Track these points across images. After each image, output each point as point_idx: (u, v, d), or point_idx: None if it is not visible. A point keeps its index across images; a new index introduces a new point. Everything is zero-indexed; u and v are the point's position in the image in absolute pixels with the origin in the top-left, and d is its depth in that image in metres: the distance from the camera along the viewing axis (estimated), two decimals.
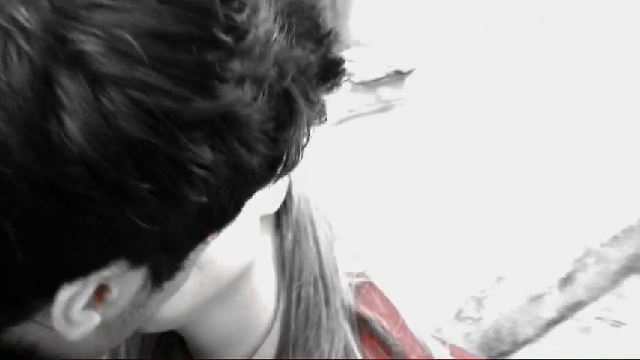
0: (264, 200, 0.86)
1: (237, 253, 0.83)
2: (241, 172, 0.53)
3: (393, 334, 0.87)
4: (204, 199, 0.51)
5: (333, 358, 0.85)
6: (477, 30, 4.14)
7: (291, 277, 0.87)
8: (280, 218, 0.88)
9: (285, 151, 0.57)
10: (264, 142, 0.54)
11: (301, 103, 0.56)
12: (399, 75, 3.67)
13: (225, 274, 0.82)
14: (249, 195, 0.57)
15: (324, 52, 0.59)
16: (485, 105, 4.16)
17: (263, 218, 0.86)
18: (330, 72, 0.61)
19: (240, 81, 0.51)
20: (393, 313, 0.90)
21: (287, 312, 0.87)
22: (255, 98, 0.52)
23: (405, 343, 0.87)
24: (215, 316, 0.85)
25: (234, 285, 0.85)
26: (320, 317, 0.86)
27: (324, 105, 0.63)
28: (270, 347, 0.87)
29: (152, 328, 0.81)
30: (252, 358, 0.86)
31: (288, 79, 0.55)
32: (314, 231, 0.88)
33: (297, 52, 0.56)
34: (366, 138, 3.65)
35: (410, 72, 3.72)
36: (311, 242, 0.88)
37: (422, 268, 3.88)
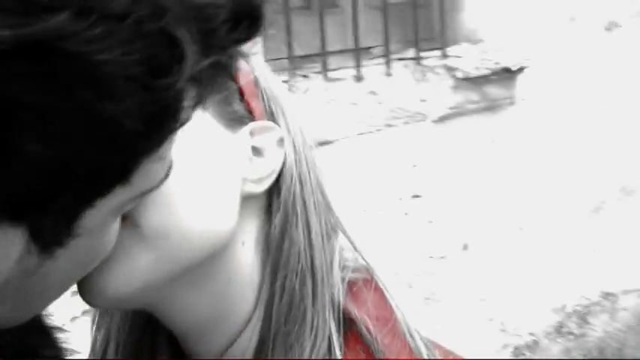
0: (247, 177, 0.78)
1: (200, 232, 0.75)
2: (101, 121, 0.46)
3: (379, 339, 0.77)
4: (44, 149, 0.42)
5: (314, 357, 0.76)
6: (596, 29, 3.91)
7: (276, 265, 0.79)
8: (271, 201, 0.79)
9: (168, 103, 0.48)
10: (131, 89, 0.46)
11: (188, 48, 0.48)
12: (507, 73, 3.50)
13: (184, 254, 0.75)
14: (135, 154, 0.49)
15: (248, 3, 0.52)
16: (604, 108, 3.93)
17: (249, 198, 0.78)
18: (243, 19, 0.53)
19: (77, 12, 0.45)
20: (383, 315, 0.80)
21: (269, 304, 0.79)
22: (107, 35, 0.45)
23: (392, 350, 0.77)
24: (187, 299, 0.78)
25: (207, 268, 0.77)
26: (305, 312, 0.77)
27: (232, 56, 0.54)
28: (249, 339, 0.79)
29: (101, 303, 0.74)
30: (226, 358, 0.79)
31: (169, 19, 0.47)
32: (307, 217, 0.79)
33: None
34: (469, 137, 3.50)
35: (520, 70, 3.54)
36: (301, 229, 0.79)
37: (522, 275, 3.70)
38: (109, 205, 0.53)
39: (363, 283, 0.82)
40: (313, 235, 0.79)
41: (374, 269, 0.83)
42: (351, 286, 0.81)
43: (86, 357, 0.88)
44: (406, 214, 3.37)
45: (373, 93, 3.24)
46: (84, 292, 0.73)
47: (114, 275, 0.71)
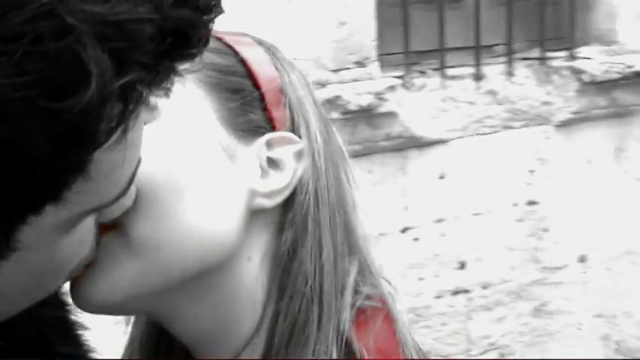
0: (256, 190, 0.73)
1: (195, 245, 0.71)
2: (6, 146, 0.44)
3: None
4: None
5: None
6: None
7: (282, 285, 0.74)
8: (285, 216, 0.75)
9: (77, 123, 0.46)
10: (27, 111, 0.44)
11: (96, 67, 0.45)
12: None
13: (176, 267, 0.71)
14: (52, 175, 0.48)
15: (168, 13, 0.48)
16: None
17: (259, 212, 0.74)
18: (169, 35, 0.49)
19: None
20: (386, 349, 0.74)
21: (273, 323, 0.75)
22: None
23: None
24: (188, 310, 0.75)
25: (209, 281, 0.74)
26: (308, 337, 0.73)
27: (162, 74, 0.50)
28: (250, 356, 0.76)
29: (88, 309, 0.72)
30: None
31: (75, 37, 0.45)
32: (319, 237, 0.74)
33: (102, 7, 0.46)
34: (593, 144, 3.31)
35: None
36: (311, 249, 0.74)
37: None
38: (48, 222, 0.52)
39: (373, 312, 0.76)
40: (324, 256, 0.74)
41: (387, 297, 0.77)
42: (359, 313, 0.75)
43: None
44: (520, 220, 3.23)
45: (492, 93, 3.11)
46: (73, 297, 0.71)
47: (99, 283, 0.69)
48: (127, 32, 0.46)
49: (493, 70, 3.13)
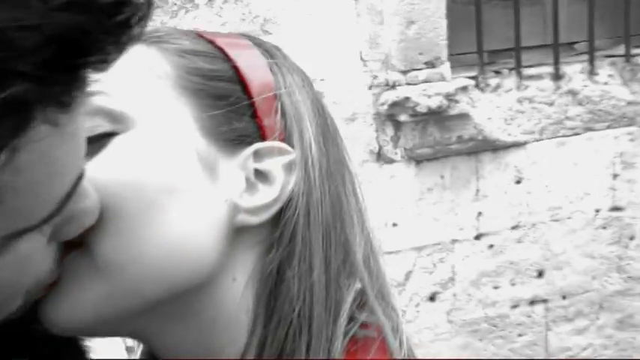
0: (240, 205, 0.67)
1: (165, 265, 0.64)
2: None
3: None
4: None
5: None
6: None
7: (270, 310, 0.68)
8: (273, 235, 0.69)
9: None
10: None
11: None
12: None
13: (147, 288, 0.65)
14: None
15: (52, 18, 0.43)
16: None
17: (244, 230, 0.68)
18: (64, 45, 0.43)
19: None
20: None
21: (260, 351, 0.68)
22: None
23: None
24: (166, 335, 0.69)
25: (189, 303, 0.68)
26: None
27: (57, 86, 0.45)
28: None
29: (57, 332, 0.66)
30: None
31: None
32: (309, 257, 0.67)
33: None
34: None
35: None
36: (298, 271, 0.67)
37: None
38: None
39: (366, 342, 0.68)
40: (315, 279, 0.66)
41: (385, 326, 0.69)
42: (352, 343, 0.67)
43: None
44: (603, 227, 3.07)
45: (573, 93, 2.96)
46: (41, 317, 0.65)
47: (62, 305, 0.64)
48: (5, 41, 0.41)
49: (573, 69, 2.98)
